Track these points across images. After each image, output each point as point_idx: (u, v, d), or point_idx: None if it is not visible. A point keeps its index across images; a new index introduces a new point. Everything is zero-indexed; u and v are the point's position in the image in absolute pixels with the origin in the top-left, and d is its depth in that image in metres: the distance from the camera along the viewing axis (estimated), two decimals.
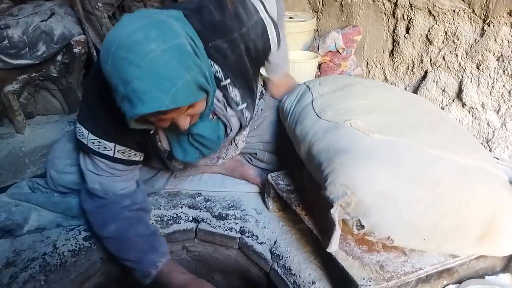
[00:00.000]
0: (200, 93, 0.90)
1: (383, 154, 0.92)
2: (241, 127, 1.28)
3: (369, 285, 0.87)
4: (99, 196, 1.15)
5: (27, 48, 1.74)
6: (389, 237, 0.89)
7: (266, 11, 1.21)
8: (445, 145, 0.97)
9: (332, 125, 1.07)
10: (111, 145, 1.08)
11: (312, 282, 1.06)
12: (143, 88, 0.80)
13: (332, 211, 0.88)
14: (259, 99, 1.50)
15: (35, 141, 1.84)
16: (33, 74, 1.87)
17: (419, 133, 0.99)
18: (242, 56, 1.15)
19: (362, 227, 0.89)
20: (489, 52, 1.49)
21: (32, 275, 1.10)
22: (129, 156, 1.14)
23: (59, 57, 1.90)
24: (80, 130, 1.09)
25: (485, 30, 1.48)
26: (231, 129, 1.23)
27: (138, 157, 1.17)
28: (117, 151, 1.10)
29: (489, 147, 1.57)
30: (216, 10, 1.10)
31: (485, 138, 1.59)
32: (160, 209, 1.36)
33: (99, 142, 1.07)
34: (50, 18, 1.85)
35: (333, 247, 0.93)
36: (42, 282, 1.10)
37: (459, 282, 1.00)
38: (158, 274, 1.11)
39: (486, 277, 1.03)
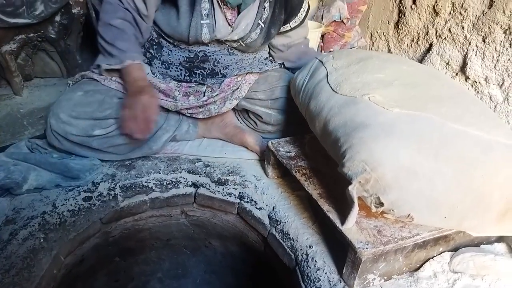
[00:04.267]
0: None
1: (403, 129, 0.89)
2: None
3: (367, 248, 0.88)
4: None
5: (24, 7, 1.69)
6: (409, 214, 0.88)
7: None
8: (468, 119, 0.94)
9: (349, 99, 1.02)
10: None
11: (310, 246, 1.08)
12: None
13: (350, 188, 0.86)
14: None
15: (33, 103, 1.81)
16: (31, 35, 1.83)
17: (441, 107, 0.96)
18: None
19: (381, 204, 0.87)
20: (496, 24, 1.47)
21: (31, 233, 1.10)
22: None
23: (57, 18, 1.85)
24: None
25: (494, 2, 1.45)
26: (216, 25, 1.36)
27: None
28: None
29: None
30: None
31: None
32: (159, 173, 1.36)
33: None
34: None
35: (350, 224, 0.92)
36: (42, 240, 1.10)
37: (455, 249, 1.01)
38: (128, 66, 1.32)
39: (481, 245, 1.05)
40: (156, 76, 1.46)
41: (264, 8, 1.41)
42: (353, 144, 0.90)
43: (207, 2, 1.32)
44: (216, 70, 1.49)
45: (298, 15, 1.51)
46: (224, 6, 1.34)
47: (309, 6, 1.57)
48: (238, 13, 1.37)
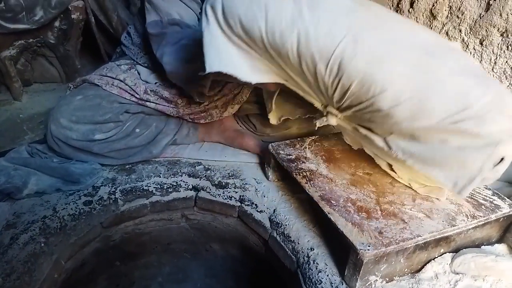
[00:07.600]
0: None
1: None
2: None
3: (368, 250, 0.88)
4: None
5: (24, 12, 1.70)
6: None
7: None
8: None
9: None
10: None
11: (311, 248, 1.08)
12: None
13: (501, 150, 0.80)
14: None
15: (32, 108, 1.82)
16: (31, 40, 1.84)
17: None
18: None
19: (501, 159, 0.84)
20: (494, 27, 1.48)
21: (32, 237, 1.10)
22: None
23: (56, 23, 1.86)
24: None
25: (491, 5, 1.47)
26: None
27: None
28: None
29: None
30: None
31: None
32: (159, 177, 1.36)
33: None
34: None
35: (467, 192, 0.88)
36: (43, 244, 1.10)
37: (456, 251, 1.01)
38: None
39: (482, 246, 1.05)
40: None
41: None
42: (493, 99, 0.81)
43: None
44: None
45: None
46: None
47: None
48: None
